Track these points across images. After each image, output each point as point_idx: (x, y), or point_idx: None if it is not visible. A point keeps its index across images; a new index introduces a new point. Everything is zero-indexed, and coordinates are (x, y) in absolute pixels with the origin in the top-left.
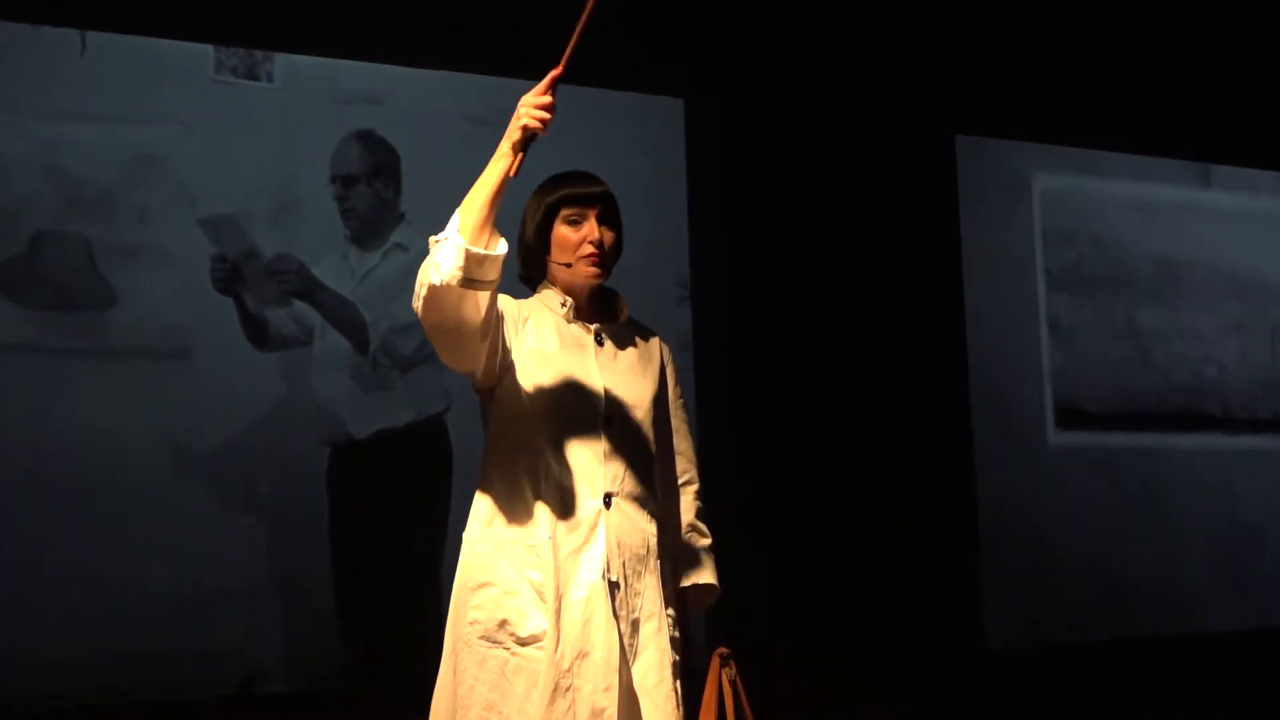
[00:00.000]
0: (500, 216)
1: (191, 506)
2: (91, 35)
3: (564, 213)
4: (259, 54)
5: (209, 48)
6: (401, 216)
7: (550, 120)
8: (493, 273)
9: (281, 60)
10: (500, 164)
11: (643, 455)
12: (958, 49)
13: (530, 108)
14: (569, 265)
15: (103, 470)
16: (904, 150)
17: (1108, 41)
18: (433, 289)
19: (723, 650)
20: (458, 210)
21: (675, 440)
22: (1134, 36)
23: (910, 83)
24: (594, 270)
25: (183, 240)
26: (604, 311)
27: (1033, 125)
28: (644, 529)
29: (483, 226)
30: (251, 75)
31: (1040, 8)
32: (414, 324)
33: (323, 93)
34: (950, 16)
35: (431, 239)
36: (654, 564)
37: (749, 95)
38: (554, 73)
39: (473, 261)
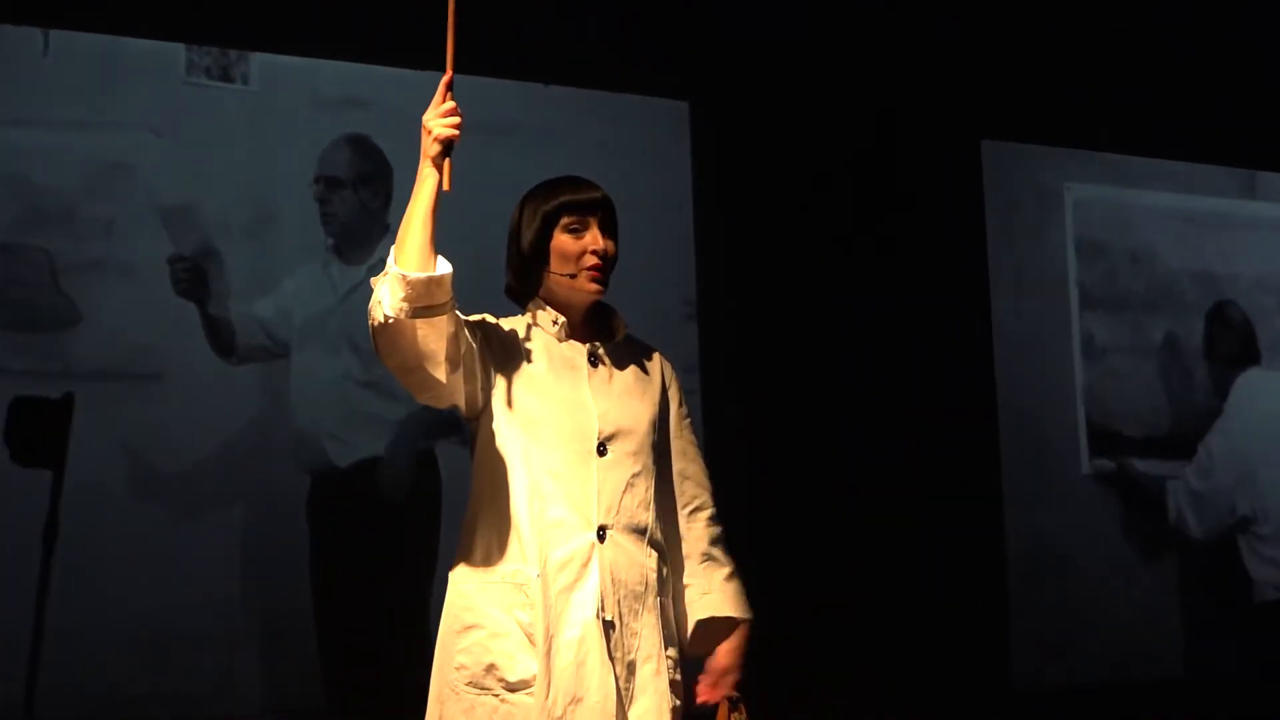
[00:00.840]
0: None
1: (161, 538)
2: (55, 34)
3: (564, 221)
4: (234, 54)
5: (180, 47)
6: (388, 227)
7: (461, 123)
8: (440, 296)
9: (258, 60)
10: (428, 183)
11: (641, 484)
12: (983, 48)
13: (436, 119)
14: (572, 276)
15: (66, 501)
16: (926, 157)
17: (1145, 40)
18: (382, 328)
19: (731, 694)
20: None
21: (682, 464)
22: (1173, 35)
23: (932, 85)
24: (597, 284)
25: (151, 254)
26: (600, 329)
27: (1065, 130)
28: (642, 563)
29: (420, 251)
30: (226, 77)
31: (1072, 3)
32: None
33: (302, 95)
34: (974, 13)
35: (372, 279)
36: (653, 601)
37: (758, 98)
38: (445, 78)
39: (415, 289)
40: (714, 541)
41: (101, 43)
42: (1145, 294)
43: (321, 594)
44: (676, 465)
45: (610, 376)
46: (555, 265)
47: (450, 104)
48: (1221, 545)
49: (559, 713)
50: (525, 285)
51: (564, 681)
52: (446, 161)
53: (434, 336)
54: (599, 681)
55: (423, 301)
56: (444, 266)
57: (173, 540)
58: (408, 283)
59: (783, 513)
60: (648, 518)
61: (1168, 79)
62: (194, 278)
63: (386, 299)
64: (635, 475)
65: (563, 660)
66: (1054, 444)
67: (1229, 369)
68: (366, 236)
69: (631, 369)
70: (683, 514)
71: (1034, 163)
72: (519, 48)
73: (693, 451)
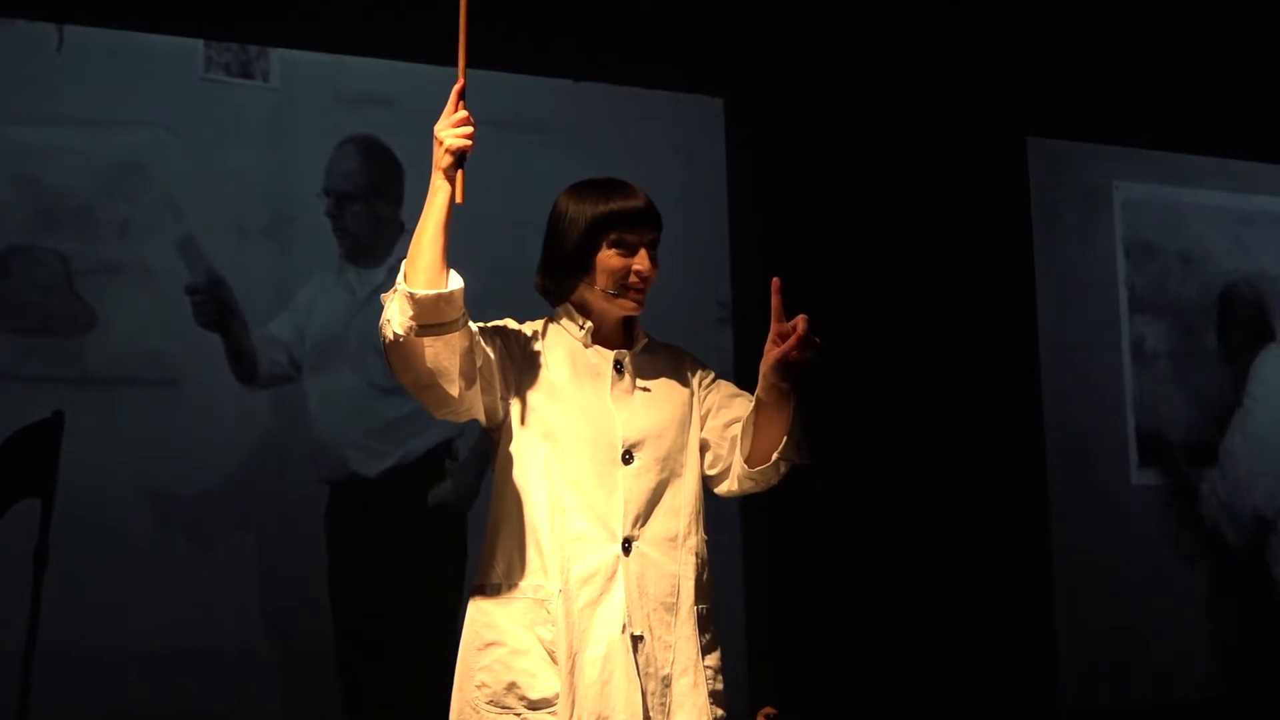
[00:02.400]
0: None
1: (176, 551)
2: (69, 29)
3: (614, 235)
4: (254, 50)
5: (199, 43)
6: (402, 227)
7: (474, 133)
8: (450, 313)
9: (278, 57)
10: (439, 196)
11: (671, 490)
12: (1029, 41)
13: (448, 130)
14: (613, 294)
15: (78, 511)
16: (969, 155)
17: (1197, 31)
18: (393, 346)
19: (769, 710)
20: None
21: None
22: (1226, 26)
23: (976, 79)
24: (637, 303)
25: (168, 257)
26: (626, 336)
27: (1114, 127)
28: (673, 573)
29: (430, 267)
30: (245, 73)
31: None
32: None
33: (324, 93)
34: (1019, 6)
35: (383, 296)
36: (689, 611)
37: (795, 95)
38: (457, 87)
39: (423, 306)
40: None
41: (117, 38)
42: (1198, 297)
43: (342, 609)
44: (727, 419)
45: (634, 384)
46: (597, 280)
47: (463, 113)
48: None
49: None
50: (559, 288)
51: (589, 700)
52: (459, 173)
53: (446, 353)
54: (625, 700)
55: (431, 319)
56: (455, 282)
57: (187, 551)
58: (415, 301)
59: (823, 526)
60: (679, 525)
61: (1220, 72)
62: (213, 308)
63: (395, 317)
64: (664, 482)
65: (587, 679)
66: (1102, 454)
67: (1244, 350)
68: (378, 242)
69: (658, 374)
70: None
71: (1081, 161)
72: (549, 43)
73: (739, 397)
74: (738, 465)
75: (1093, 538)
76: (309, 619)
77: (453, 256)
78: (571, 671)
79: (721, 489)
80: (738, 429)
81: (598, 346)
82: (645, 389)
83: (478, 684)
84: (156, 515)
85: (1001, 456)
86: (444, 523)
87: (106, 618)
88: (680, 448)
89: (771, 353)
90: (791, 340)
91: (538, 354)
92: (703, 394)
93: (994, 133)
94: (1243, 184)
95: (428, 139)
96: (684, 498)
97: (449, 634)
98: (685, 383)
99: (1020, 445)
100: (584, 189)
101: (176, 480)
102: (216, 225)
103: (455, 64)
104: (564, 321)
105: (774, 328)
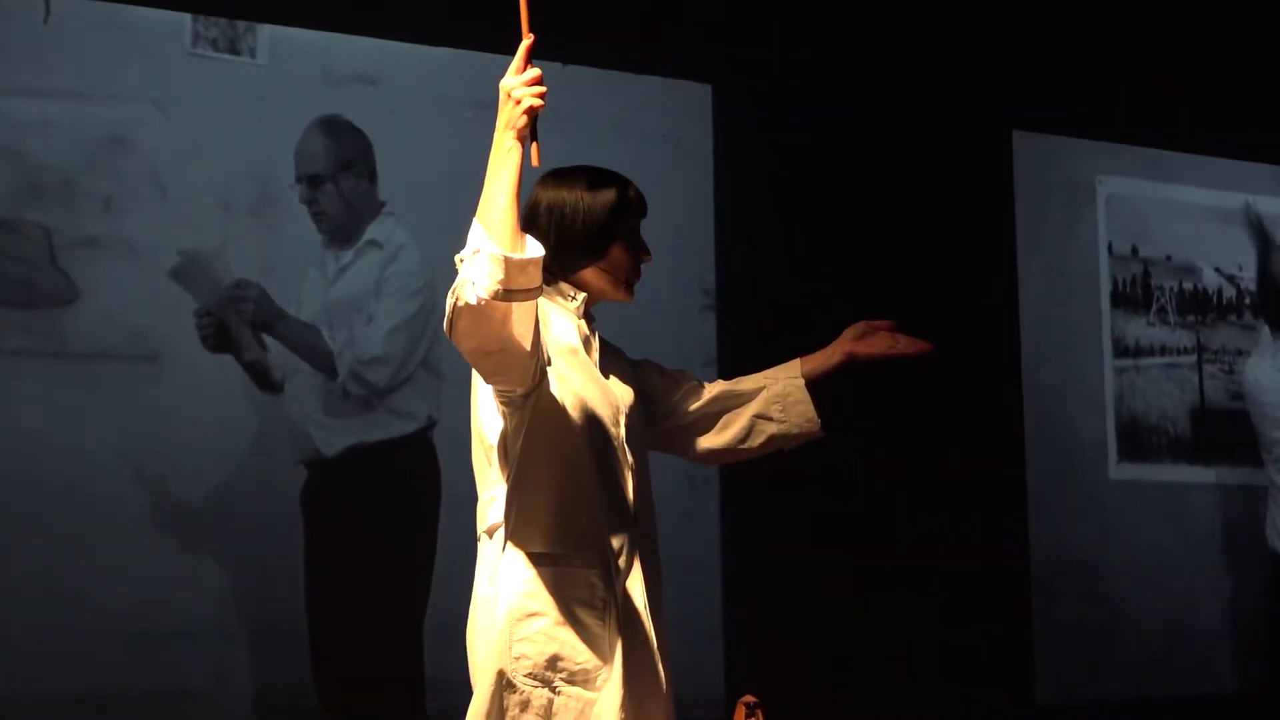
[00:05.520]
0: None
1: (155, 528)
2: (56, 1)
3: (627, 224)
4: (241, 25)
5: (186, 17)
6: (381, 205)
7: (546, 93)
8: (536, 279)
9: (267, 33)
10: (513, 157)
11: (647, 466)
12: (1015, 33)
13: (523, 88)
14: (622, 282)
15: (57, 487)
16: (955, 148)
17: (1184, 29)
18: (470, 309)
19: (749, 699)
20: (475, 220)
21: (668, 379)
22: (1212, 23)
23: (962, 71)
24: (632, 294)
25: (152, 232)
26: (589, 319)
27: (1098, 121)
28: (657, 552)
29: (514, 231)
30: (233, 49)
31: None
32: (384, 355)
33: (312, 70)
34: None
35: (457, 258)
36: (661, 595)
37: (782, 82)
38: (527, 43)
39: (513, 269)
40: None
41: (104, 11)
42: (1179, 293)
43: (317, 587)
44: (666, 383)
45: (608, 359)
46: (608, 265)
47: (536, 71)
48: None
49: (636, 707)
50: (562, 269)
51: (636, 679)
52: (534, 142)
53: (524, 320)
54: (662, 673)
55: (519, 284)
56: (535, 248)
57: (166, 528)
58: (508, 264)
59: (800, 519)
60: (652, 503)
61: (1208, 69)
62: (217, 333)
63: (482, 280)
64: (643, 456)
65: (633, 654)
66: (1081, 448)
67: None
68: (357, 222)
69: (611, 354)
70: (708, 387)
71: (1066, 156)
72: (538, 26)
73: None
74: (804, 419)
75: (1071, 533)
76: (286, 597)
77: (443, 234)
78: (620, 646)
79: (751, 446)
80: (761, 394)
81: (583, 320)
82: (613, 365)
83: (516, 655)
84: (135, 491)
85: (981, 451)
86: (415, 501)
87: (83, 594)
88: (644, 423)
89: (880, 338)
90: (910, 343)
91: (550, 324)
92: (660, 381)
93: (980, 126)
94: (1224, 182)
95: (415, 116)
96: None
97: (421, 611)
98: (630, 366)
99: (1000, 440)
100: (594, 178)
101: (156, 456)
102: (201, 201)
103: (442, 45)
104: (562, 293)
105: (866, 324)
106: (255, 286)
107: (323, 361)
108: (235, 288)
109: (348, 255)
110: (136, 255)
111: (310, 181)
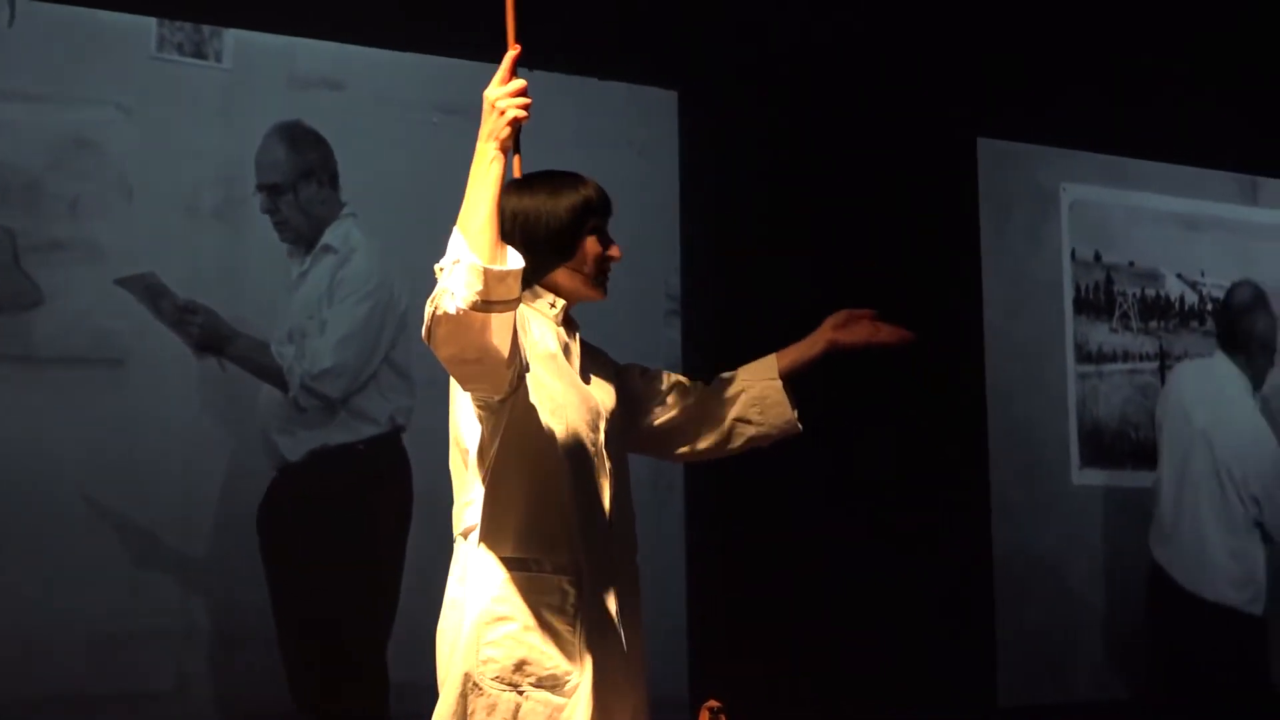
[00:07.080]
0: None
1: (121, 533)
2: (21, 3)
3: (593, 223)
4: (207, 29)
5: (151, 21)
6: (342, 207)
7: (530, 104)
8: (515, 290)
9: (232, 37)
10: (495, 169)
11: (626, 472)
12: (979, 42)
13: (507, 98)
14: (593, 280)
15: (22, 492)
16: (920, 154)
17: (1147, 37)
18: (448, 319)
19: (713, 703)
20: (456, 229)
21: (649, 379)
22: (1176, 32)
23: (927, 79)
24: (605, 292)
25: (118, 235)
26: (569, 322)
27: (1063, 128)
28: (634, 558)
29: (494, 242)
30: (198, 53)
31: None
32: (335, 366)
33: (277, 74)
34: (972, 5)
35: (436, 267)
36: (638, 601)
37: (749, 89)
38: (513, 53)
39: (493, 280)
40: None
41: (69, 14)
42: (1142, 300)
43: (284, 591)
44: (647, 386)
45: (587, 364)
46: (578, 264)
47: (520, 82)
48: None
49: (605, 713)
50: (534, 272)
51: (607, 685)
52: (516, 154)
53: (502, 330)
54: (635, 680)
55: (498, 295)
56: (516, 259)
57: (130, 532)
58: (487, 275)
59: (764, 522)
60: (632, 507)
61: (1170, 79)
62: (206, 332)
63: (461, 290)
64: (622, 463)
65: (604, 660)
66: (1045, 454)
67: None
68: (319, 228)
69: (594, 358)
70: (688, 389)
71: (1030, 163)
72: (502, 30)
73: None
74: (783, 420)
75: (1034, 537)
76: (250, 600)
77: (409, 238)
78: (588, 650)
79: (731, 448)
80: (740, 398)
81: (561, 328)
82: (594, 368)
83: (484, 659)
84: (99, 495)
85: (944, 455)
86: (383, 505)
87: (47, 597)
88: (623, 429)
89: (862, 326)
90: (892, 332)
91: (528, 331)
92: (642, 383)
93: (945, 132)
94: (1188, 189)
95: (377, 123)
96: (627, 476)
97: (389, 615)
98: (612, 369)
99: (963, 444)
100: (556, 180)
101: (120, 460)
102: (166, 205)
103: (407, 50)
104: (538, 301)
105: (847, 313)
106: (203, 309)
107: (273, 378)
108: (183, 310)
109: (305, 262)
110: (102, 259)
111: (270, 190)
